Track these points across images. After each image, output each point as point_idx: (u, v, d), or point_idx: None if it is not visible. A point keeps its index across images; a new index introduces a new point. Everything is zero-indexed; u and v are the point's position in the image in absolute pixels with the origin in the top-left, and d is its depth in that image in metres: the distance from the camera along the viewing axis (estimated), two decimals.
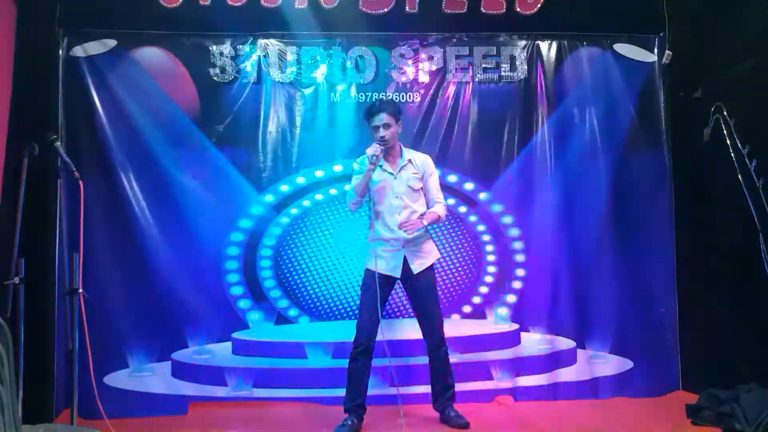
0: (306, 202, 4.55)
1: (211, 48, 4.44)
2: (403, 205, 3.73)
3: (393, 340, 4.33)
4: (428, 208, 3.81)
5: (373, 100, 4.31)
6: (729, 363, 4.07)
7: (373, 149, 3.64)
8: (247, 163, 4.48)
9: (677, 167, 4.64)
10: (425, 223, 3.74)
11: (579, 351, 4.55)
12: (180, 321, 4.33)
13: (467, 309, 4.60)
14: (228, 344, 4.42)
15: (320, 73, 4.54)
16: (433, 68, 4.60)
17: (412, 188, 3.76)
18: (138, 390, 4.24)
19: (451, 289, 4.60)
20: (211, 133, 4.44)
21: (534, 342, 4.54)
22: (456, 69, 4.59)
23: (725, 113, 4.13)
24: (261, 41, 4.50)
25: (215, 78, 4.45)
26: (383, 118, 3.68)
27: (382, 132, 3.67)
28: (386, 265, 3.74)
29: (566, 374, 4.50)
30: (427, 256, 3.80)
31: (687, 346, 4.54)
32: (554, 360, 4.50)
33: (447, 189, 4.13)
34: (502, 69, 4.61)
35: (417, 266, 3.75)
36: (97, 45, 4.31)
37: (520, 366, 4.47)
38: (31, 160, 3.16)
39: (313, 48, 4.53)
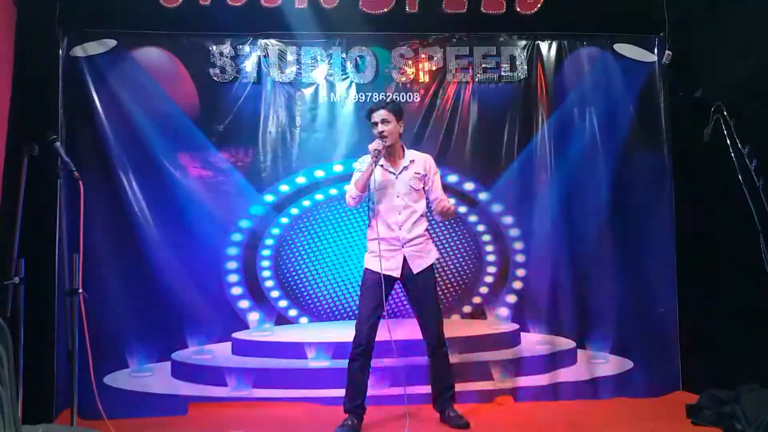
0: (306, 202, 4.55)
1: (211, 48, 4.45)
2: (403, 205, 3.74)
3: (392, 341, 4.34)
4: (429, 205, 3.83)
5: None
6: (729, 363, 4.07)
7: (376, 144, 3.66)
8: (247, 162, 4.48)
9: (677, 167, 4.63)
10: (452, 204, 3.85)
11: (579, 351, 4.54)
12: (180, 321, 4.33)
13: (467, 309, 4.60)
14: (228, 344, 4.42)
15: (320, 73, 4.54)
16: (433, 68, 4.60)
17: (413, 188, 3.77)
18: (138, 390, 4.24)
19: (451, 289, 4.60)
20: (211, 133, 4.44)
21: (534, 342, 4.53)
22: (456, 69, 4.59)
23: (725, 113, 4.12)
24: (261, 41, 4.50)
25: (215, 78, 4.45)
26: (383, 113, 3.70)
27: (380, 127, 3.69)
28: (386, 265, 3.74)
29: (566, 374, 4.49)
30: (427, 256, 3.80)
31: (687, 346, 4.54)
32: (554, 360, 4.49)
33: (447, 189, 4.12)
34: (502, 69, 4.61)
35: (417, 266, 3.74)
36: (97, 45, 4.32)
37: (520, 366, 4.46)
38: (31, 160, 3.15)
39: (313, 48, 4.53)
